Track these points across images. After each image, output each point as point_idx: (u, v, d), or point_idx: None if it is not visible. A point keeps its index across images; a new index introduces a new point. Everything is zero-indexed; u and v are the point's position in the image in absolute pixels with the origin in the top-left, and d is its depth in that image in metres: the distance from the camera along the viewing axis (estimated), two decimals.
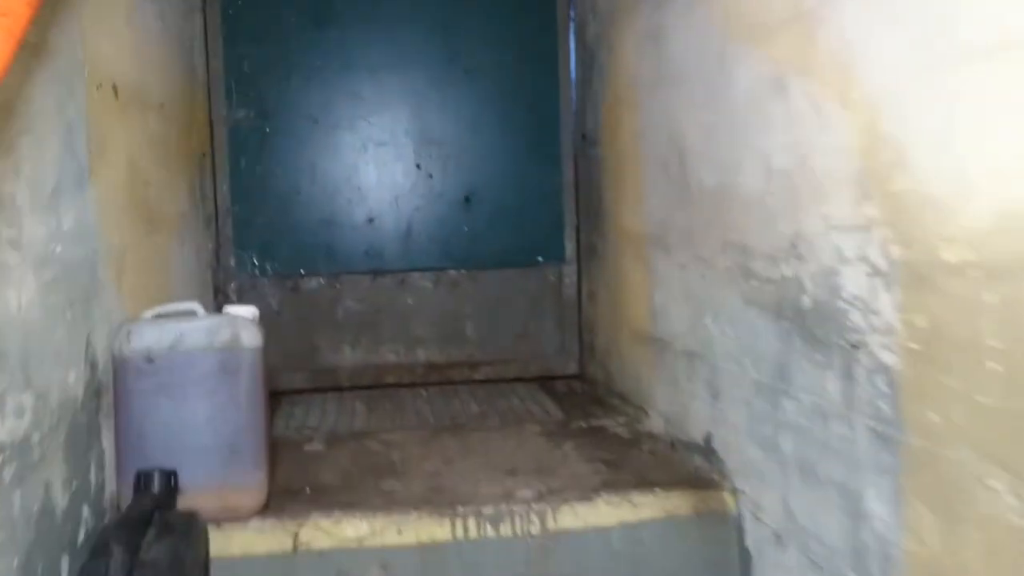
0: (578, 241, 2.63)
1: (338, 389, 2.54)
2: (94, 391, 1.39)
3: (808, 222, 1.26)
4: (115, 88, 1.64)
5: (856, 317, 1.13)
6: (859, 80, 1.11)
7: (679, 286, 1.80)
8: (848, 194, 1.15)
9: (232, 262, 2.51)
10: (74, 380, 1.32)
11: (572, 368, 2.67)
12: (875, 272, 1.09)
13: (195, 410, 1.42)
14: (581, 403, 2.32)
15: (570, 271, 2.65)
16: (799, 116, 1.27)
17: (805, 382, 1.28)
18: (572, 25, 2.60)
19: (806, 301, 1.27)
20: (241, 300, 2.54)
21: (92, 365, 1.39)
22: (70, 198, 1.38)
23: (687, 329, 1.75)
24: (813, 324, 1.25)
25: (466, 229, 2.59)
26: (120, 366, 1.41)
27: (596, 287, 2.50)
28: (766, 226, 1.38)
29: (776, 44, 1.33)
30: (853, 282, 1.14)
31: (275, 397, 2.38)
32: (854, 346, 1.14)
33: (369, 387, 2.58)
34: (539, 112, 2.60)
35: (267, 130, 2.51)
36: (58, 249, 1.30)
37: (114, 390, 1.43)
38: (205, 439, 1.43)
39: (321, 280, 2.57)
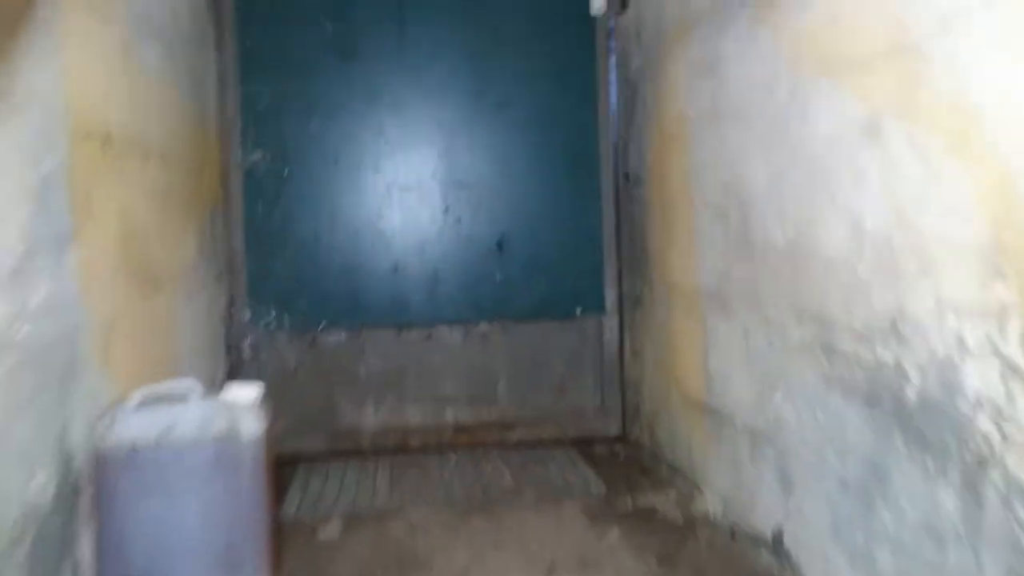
0: (620, 291, 2.41)
1: (359, 453, 2.34)
2: (69, 492, 1.20)
3: (913, 299, 1.03)
4: (108, 137, 1.47)
5: (984, 423, 0.91)
6: (984, 127, 0.89)
7: (740, 352, 1.57)
8: (971, 269, 0.92)
9: (247, 316, 2.32)
10: (42, 483, 1.13)
11: (614, 429, 2.44)
12: (1012, 371, 0.86)
13: (186, 511, 1.23)
14: (625, 472, 2.09)
15: (611, 324, 2.43)
16: (900, 167, 1.05)
17: (909, 490, 1.05)
18: (612, 56, 2.40)
19: (910, 394, 1.04)
20: (257, 356, 2.35)
21: (67, 461, 1.20)
22: (43, 267, 1.20)
23: (751, 403, 1.52)
24: (921, 423, 1.02)
25: (498, 278, 2.39)
26: (101, 461, 1.22)
27: (641, 342, 2.28)
28: (855, 297, 1.16)
29: (869, 81, 1.11)
30: (980, 380, 0.91)
31: (291, 464, 2.19)
32: (981, 461, 0.91)
33: (393, 451, 2.37)
34: (576, 150, 2.40)
35: (285, 173, 2.33)
36: (23, 330, 1.12)
37: (95, 488, 1.23)
38: (197, 544, 1.23)
39: (342, 334, 2.38)
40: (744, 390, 1.57)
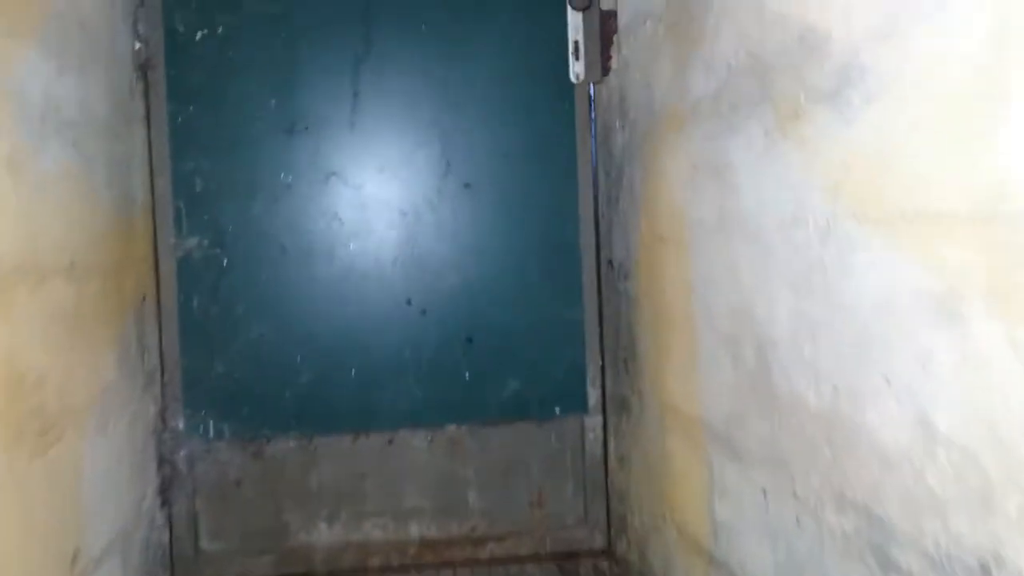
0: (604, 389, 2.15)
1: None
2: None
3: (1011, 536, 0.78)
4: None
5: None
6: None
7: (757, 514, 1.32)
8: None
9: (181, 425, 2.03)
10: None
11: (599, 542, 2.18)
12: None
13: None
14: None
15: (594, 424, 2.18)
16: (989, 367, 0.80)
17: None
18: (594, 128, 2.15)
19: None
20: (193, 469, 2.06)
21: None
22: None
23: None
24: None
25: (467, 376, 2.12)
26: None
27: (628, 449, 2.02)
28: (924, 510, 0.91)
29: (944, 248, 0.86)
30: None
31: None
32: None
33: (351, 572, 2.08)
34: (554, 233, 2.14)
35: (225, 262, 2.04)
36: None
37: None
38: None
39: (291, 443, 2.09)
40: (763, 559, 1.31)
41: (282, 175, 2.07)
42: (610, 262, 2.11)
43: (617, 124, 2.01)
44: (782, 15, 1.18)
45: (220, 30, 2.04)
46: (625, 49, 1.92)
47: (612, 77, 2.04)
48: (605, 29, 2.17)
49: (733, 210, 1.37)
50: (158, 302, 2.02)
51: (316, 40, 2.07)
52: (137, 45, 1.98)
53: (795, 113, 1.15)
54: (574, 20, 2.14)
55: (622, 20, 1.95)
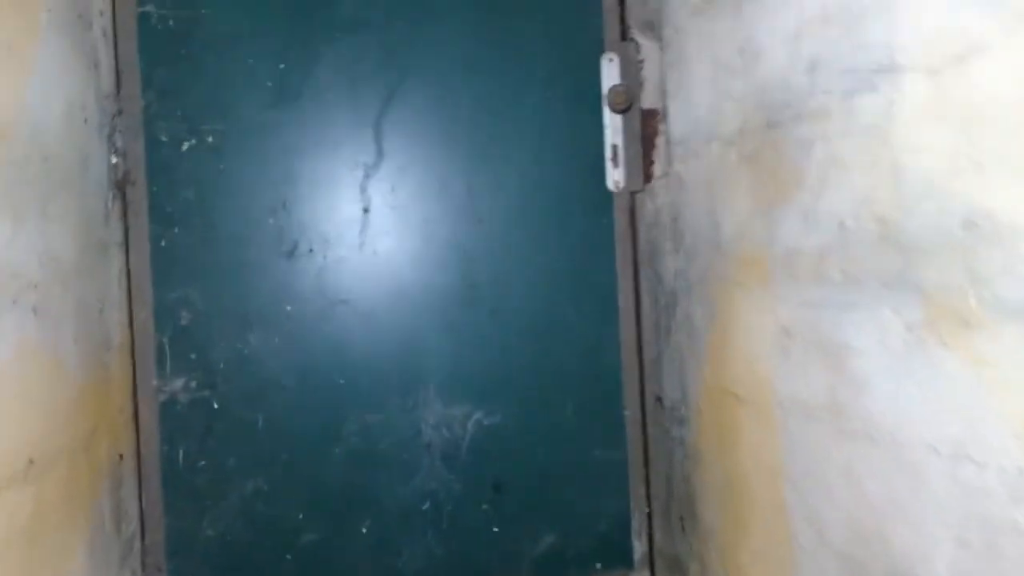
0: (651, 543, 1.87)
1: None
2: None
3: None
4: None
5: None
6: None
7: None
8: None
9: None
10: None
11: None
12: None
13: None
14: None
15: None
16: None
17: None
18: (638, 245, 1.89)
19: None
20: None
21: None
22: None
23: None
24: None
25: (495, 529, 1.83)
26: None
27: None
28: None
29: None
30: None
31: None
32: None
33: None
34: (592, 365, 1.87)
35: (215, 405, 1.76)
36: None
37: None
38: None
39: None
40: None
41: (282, 304, 1.78)
42: (659, 399, 1.84)
43: (668, 246, 1.74)
44: (931, 185, 0.92)
45: (209, 139, 1.77)
46: (679, 164, 1.66)
47: (660, 191, 1.78)
48: (647, 131, 1.92)
49: (853, 405, 1.10)
50: (138, 457, 1.73)
51: (320, 150, 1.80)
52: (114, 159, 1.71)
53: (962, 319, 0.89)
54: (612, 122, 1.89)
55: (675, 129, 1.69)
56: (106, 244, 1.65)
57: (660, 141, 1.91)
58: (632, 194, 1.93)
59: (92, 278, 1.55)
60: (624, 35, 1.93)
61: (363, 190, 1.82)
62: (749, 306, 1.38)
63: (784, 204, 1.26)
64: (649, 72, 1.91)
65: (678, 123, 1.67)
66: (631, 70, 1.88)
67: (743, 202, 1.40)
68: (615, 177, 1.90)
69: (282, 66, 1.80)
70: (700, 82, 1.53)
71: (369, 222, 1.82)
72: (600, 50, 1.89)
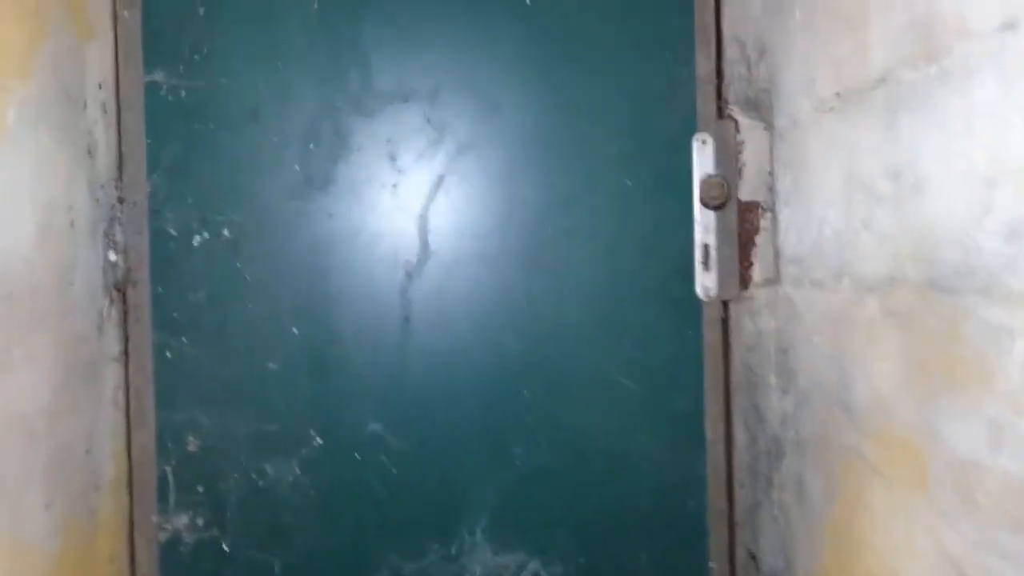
0: None
1: None
2: None
3: None
4: None
5: None
6: None
7: None
8: None
9: None
10: None
11: None
12: None
13: None
14: None
15: None
16: None
17: None
18: (731, 369, 1.57)
19: None
20: None
21: None
22: None
23: None
24: None
25: None
26: None
27: None
28: None
29: None
30: None
31: None
32: None
33: None
34: (672, 504, 1.56)
35: (225, 547, 1.47)
36: None
37: None
38: None
39: None
40: None
41: (305, 429, 1.49)
42: (753, 556, 1.51)
43: (774, 381, 1.41)
44: None
45: (225, 233, 1.48)
46: (791, 287, 1.33)
47: (763, 310, 1.45)
48: (745, 228, 1.59)
49: None
50: None
51: (354, 246, 1.51)
52: (112, 257, 1.43)
53: None
54: (704, 218, 1.56)
55: (787, 242, 1.37)
56: (98, 362, 1.38)
57: (761, 240, 1.58)
58: (725, 303, 1.60)
59: (76, 414, 1.28)
60: (721, 112, 1.60)
61: (403, 293, 1.52)
62: (893, 508, 1.05)
63: (959, 399, 0.93)
64: (750, 157, 1.58)
65: (791, 236, 1.34)
66: (728, 155, 1.55)
67: (889, 369, 1.06)
68: (705, 283, 1.57)
69: (312, 146, 1.50)
70: (826, 195, 1.20)
71: (410, 332, 1.52)
72: (691, 129, 1.56)
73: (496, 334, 1.54)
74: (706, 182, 1.53)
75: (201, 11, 1.47)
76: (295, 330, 1.51)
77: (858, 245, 1.12)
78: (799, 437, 1.33)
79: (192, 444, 1.49)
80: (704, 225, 1.57)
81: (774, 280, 1.51)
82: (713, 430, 1.60)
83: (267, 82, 1.49)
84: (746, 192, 1.58)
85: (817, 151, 1.24)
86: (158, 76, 1.47)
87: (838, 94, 1.16)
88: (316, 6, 1.50)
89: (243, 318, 1.50)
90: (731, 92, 1.57)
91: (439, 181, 1.53)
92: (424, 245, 1.53)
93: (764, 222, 1.57)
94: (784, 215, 1.37)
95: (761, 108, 1.50)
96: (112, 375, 1.44)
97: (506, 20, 1.54)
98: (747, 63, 1.49)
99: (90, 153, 1.37)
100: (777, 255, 1.41)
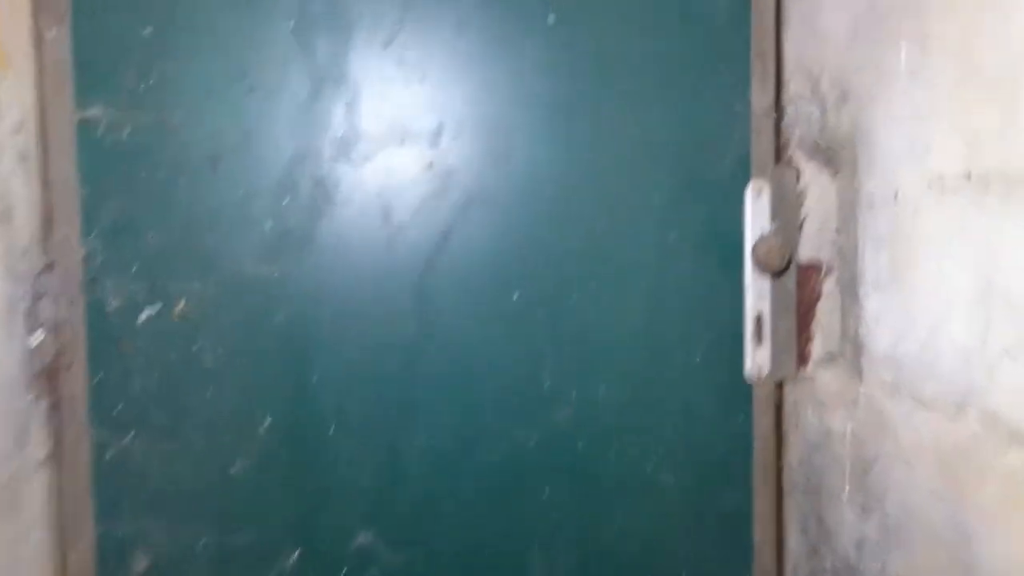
0: None
1: None
2: None
3: None
4: None
5: None
6: None
7: None
8: None
9: None
10: None
11: None
12: None
13: None
14: None
15: None
16: None
17: None
18: (789, 475, 1.32)
19: None
20: None
21: None
22: None
23: None
24: None
25: None
26: None
27: None
28: None
29: None
30: None
31: None
32: None
33: None
34: None
35: None
36: None
37: None
38: None
39: None
40: None
41: (284, 544, 1.23)
42: None
43: (847, 494, 1.17)
44: None
45: (180, 305, 1.20)
46: (879, 391, 1.09)
47: (838, 412, 1.20)
48: (806, 294, 1.34)
49: None
50: None
51: (337, 323, 1.23)
52: (37, 338, 1.15)
53: None
54: (756, 284, 1.31)
55: (875, 332, 1.12)
56: (20, 477, 1.10)
57: (823, 308, 1.34)
58: (779, 385, 1.35)
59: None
60: (780, 155, 1.33)
61: (400, 374, 1.25)
62: None
63: None
64: (814, 209, 1.33)
65: (884, 331, 1.08)
66: (788, 208, 1.30)
67: None
68: (757, 360, 1.32)
69: (287, 200, 1.22)
70: (946, 297, 0.95)
71: (408, 422, 1.26)
72: (745, 175, 1.30)
73: (512, 421, 1.28)
74: (763, 244, 1.27)
75: (147, 31, 1.17)
76: (267, 421, 1.23)
77: (996, 376, 0.86)
78: (886, 572, 1.09)
79: (140, 562, 1.22)
80: (757, 292, 1.32)
81: (836, 357, 1.26)
82: (762, 531, 1.35)
83: (231, 120, 1.20)
84: (807, 250, 1.32)
85: (932, 238, 0.97)
86: (94, 111, 1.17)
87: (970, 175, 0.89)
88: (292, 24, 1.20)
89: (203, 408, 1.22)
90: (795, 133, 1.30)
91: (443, 240, 1.25)
92: (424, 316, 1.26)
93: (827, 286, 1.32)
94: (873, 302, 1.11)
95: (837, 161, 1.23)
96: (39, 486, 1.16)
97: (523, 43, 1.25)
98: (820, 103, 1.21)
99: (6, 217, 1.07)
100: (857, 346, 1.16)
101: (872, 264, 1.10)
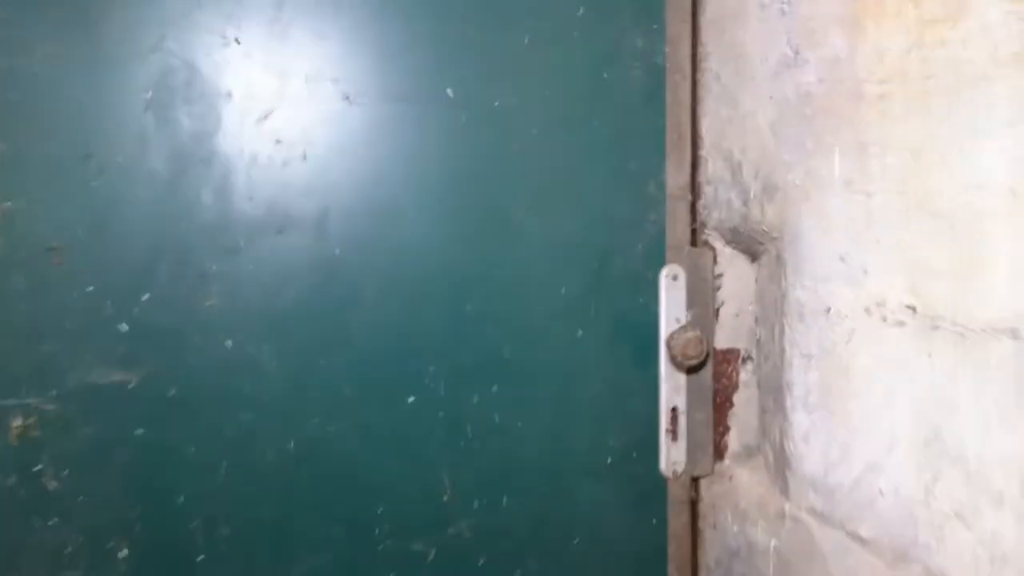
0: None
1: None
2: None
3: None
4: None
5: None
6: None
7: None
8: None
9: None
10: None
11: None
12: None
13: None
14: None
15: None
16: None
17: None
18: (694, 555, 1.24)
19: None
20: None
21: None
22: None
23: None
24: None
25: None
26: None
27: None
28: None
29: None
30: None
31: None
32: None
33: None
34: None
35: None
36: None
37: None
38: None
39: None
40: None
41: None
42: None
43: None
44: None
45: (20, 424, 1.02)
46: (806, 514, 1.01)
47: (759, 525, 1.12)
48: (722, 383, 1.26)
49: None
50: None
51: (204, 433, 1.07)
52: None
53: None
54: (671, 377, 1.22)
55: (801, 451, 1.05)
56: None
57: (740, 399, 1.26)
58: (695, 480, 1.27)
59: None
60: (695, 238, 1.25)
61: (277, 502, 1.10)
62: None
63: None
64: (731, 294, 1.25)
65: (813, 454, 1.00)
66: (704, 293, 1.22)
67: None
68: (672, 456, 1.24)
69: (146, 297, 1.05)
70: (885, 440, 0.88)
71: (287, 553, 1.11)
72: (658, 262, 1.20)
73: (407, 537, 1.15)
74: (678, 337, 1.17)
75: None
76: (124, 551, 1.07)
77: (946, 538, 0.78)
78: None
79: None
80: (672, 385, 1.23)
81: (754, 453, 1.18)
82: None
83: (77, 206, 1.02)
84: (724, 338, 1.25)
85: (871, 369, 0.89)
86: None
87: (914, 309, 0.81)
88: (149, 96, 1.04)
89: (46, 540, 1.05)
90: (712, 216, 1.21)
91: (327, 339, 1.11)
92: (305, 424, 1.11)
93: (744, 375, 1.25)
94: (801, 418, 1.03)
95: (758, 251, 1.15)
96: None
97: (420, 119, 1.12)
98: (742, 192, 1.13)
99: None
100: (782, 458, 1.08)
101: (800, 379, 1.01)
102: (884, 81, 0.85)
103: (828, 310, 0.95)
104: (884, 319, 0.87)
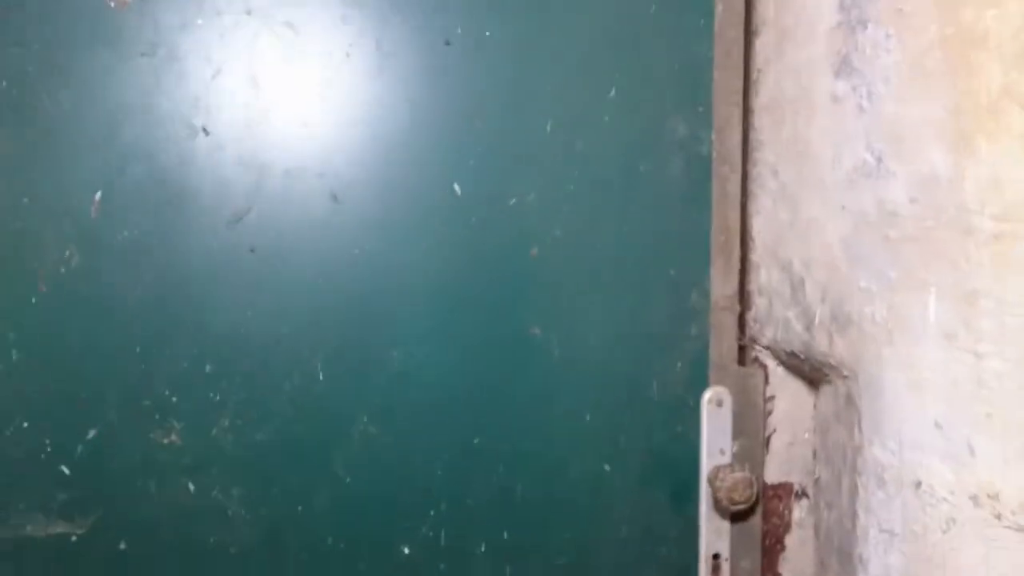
0: None
1: None
2: None
3: None
4: None
5: None
6: None
7: None
8: None
9: None
10: None
11: None
12: None
13: None
14: None
15: None
16: None
17: None
18: None
19: None
20: None
21: None
22: None
23: None
24: None
25: None
26: None
27: None
28: None
29: None
30: None
31: None
32: None
33: None
34: None
35: None
36: None
37: None
38: None
39: None
40: None
41: None
42: None
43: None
44: None
45: None
46: None
47: None
48: (772, 523, 1.07)
49: None
50: None
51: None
52: None
53: None
54: (713, 523, 1.03)
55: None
56: None
57: (793, 542, 1.07)
58: None
59: None
60: (743, 355, 1.06)
61: None
62: None
63: None
64: (783, 420, 1.06)
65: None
66: (752, 420, 1.03)
67: None
68: None
69: (92, 433, 0.88)
70: None
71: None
72: (700, 384, 1.02)
73: None
74: (724, 477, 0.99)
75: None
76: None
77: None
78: None
79: None
80: (714, 530, 1.03)
81: None
82: None
83: (10, 317, 0.85)
84: (775, 471, 1.06)
85: (975, 572, 0.70)
86: None
87: None
88: (99, 196, 0.86)
89: None
90: (764, 333, 1.02)
91: (305, 490, 0.93)
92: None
93: (798, 512, 1.06)
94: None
95: (821, 380, 0.96)
96: None
97: (426, 217, 0.94)
98: (804, 314, 0.94)
99: None
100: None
101: (878, 557, 0.82)
102: (1002, 219, 0.66)
103: (918, 484, 0.76)
104: (999, 516, 0.68)
